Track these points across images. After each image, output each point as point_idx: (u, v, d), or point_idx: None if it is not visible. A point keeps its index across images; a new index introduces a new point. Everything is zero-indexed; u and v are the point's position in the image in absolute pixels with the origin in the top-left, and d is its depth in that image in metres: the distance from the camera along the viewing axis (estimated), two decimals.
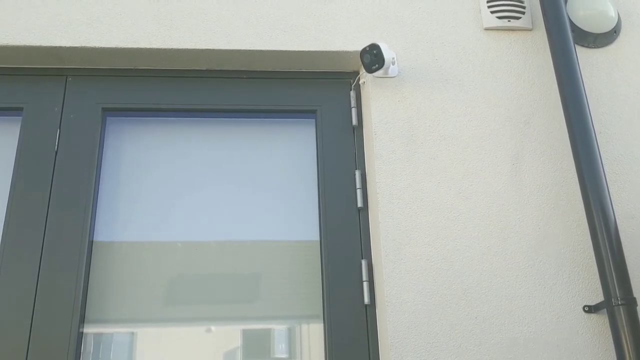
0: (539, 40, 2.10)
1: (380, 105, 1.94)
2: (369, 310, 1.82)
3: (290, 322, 1.85)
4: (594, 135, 1.83)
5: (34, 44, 1.92)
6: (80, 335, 1.75)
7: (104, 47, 1.95)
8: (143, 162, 2.00)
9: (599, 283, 1.78)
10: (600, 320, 1.75)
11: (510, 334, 1.72)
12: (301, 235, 1.94)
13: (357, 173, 1.96)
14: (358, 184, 1.95)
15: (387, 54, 1.88)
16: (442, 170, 1.88)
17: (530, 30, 2.12)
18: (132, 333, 1.79)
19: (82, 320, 1.78)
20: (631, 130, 2.00)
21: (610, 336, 1.73)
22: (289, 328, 1.84)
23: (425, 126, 1.93)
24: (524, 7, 2.12)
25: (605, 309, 1.71)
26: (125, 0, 2.01)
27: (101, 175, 1.96)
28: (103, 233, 1.89)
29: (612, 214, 1.74)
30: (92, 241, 1.87)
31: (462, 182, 1.87)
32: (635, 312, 1.64)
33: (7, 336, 1.70)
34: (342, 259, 1.87)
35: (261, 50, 1.99)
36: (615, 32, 2.13)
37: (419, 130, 1.92)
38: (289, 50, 2.00)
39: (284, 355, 1.81)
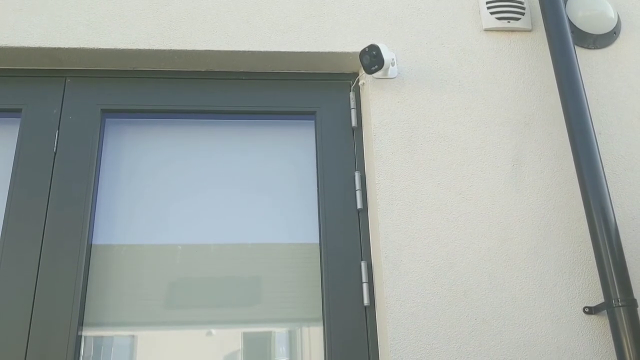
0: (539, 41, 2.10)
1: (379, 107, 1.94)
2: (369, 312, 1.82)
3: (290, 325, 1.85)
4: (593, 136, 1.83)
5: (33, 45, 1.92)
6: (79, 339, 1.75)
7: (103, 49, 1.94)
8: (142, 163, 2.00)
9: (599, 284, 1.78)
10: (601, 322, 1.75)
11: (510, 335, 1.71)
12: (301, 237, 1.94)
13: (357, 174, 1.96)
14: (358, 186, 1.94)
15: (387, 55, 1.88)
16: (442, 172, 1.88)
17: (530, 31, 2.12)
18: (132, 336, 1.79)
19: (81, 324, 1.77)
20: (631, 131, 2.00)
21: (611, 338, 1.73)
22: (290, 331, 1.84)
23: (424, 127, 1.93)
24: (523, 8, 2.12)
25: (605, 311, 1.71)
26: (124, 1, 2.01)
27: (100, 177, 1.95)
28: (102, 236, 1.89)
29: (612, 214, 1.74)
30: (91, 244, 1.87)
31: (462, 183, 1.87)
32: (636, 313, 1.64)
33: (6, 339, 1.70)
34: (341, 260, 1.87)
35: (260, 52, 1.99)
36: (614, 33, 2.13)
37: (419, 132, 1.92)
38: (288, 52, 1.99)
39: (284, 358, 1.80)
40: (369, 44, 1.96)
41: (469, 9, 2.11)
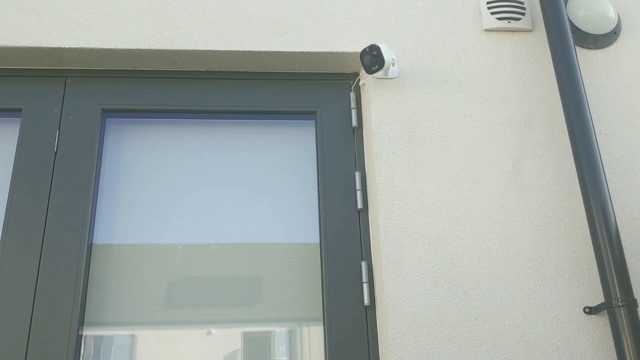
0: (539, 41, 2.10)
1: (380, 107, 1.94)
2: (369, 312, 1.82)
3: (290, 325, 1.85)
4: (594, 136, 1.83)
5: (34, 45, 1.92)
6: (79, 338, 1.75)
7: (103, 49, 1.94)
8: (142, 163, 2.00)
9: (600, 284, 1.78)
10: (601, 322, 1.75)
11: (511, 335, 1.71)
12: (301, 237, 1.94)
13: (357, 174, 1.96)
14: (358, 186, 1.94)
15: (387, 55, 1.88)
16: (442, 172, 1.88)
17: (530, 31, 2.11)
18: (133, 336, 1.79)
19: (82, 323, 1.77)
20: (631, 131, 2.00)
21: (611, 338, 1.73)
22: (290, 331, 1.84)
23: (425, 127, 1.93)
24: (523, 8, 2.11)
25: (605, 311, 1.70)
26: (125, 1, 2.01)
27: (100, 177, 1.95)
28: (102, 235, 1.89)
29: (612, 215, 1.74)
30: (92, 243, 1.87)
31: (463, 183, 1.87)
32: (636, 313, 1.64)
33: (6, 339, 1.70)
34: (342, 260, 1.87)
35: (261, 52, 1.99)
36: (615, 33, 2.13)
37: (419, 132, 1.92)
38: (288, 52, 1.99)
39: (284, 358, 1.80)
40: (369, 44, 1.96)
41: (469, 9, 2.11)
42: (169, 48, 1.96)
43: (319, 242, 1.92)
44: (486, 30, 2.09)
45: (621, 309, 1.64)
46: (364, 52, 1.91)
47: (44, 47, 1.92)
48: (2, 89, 1.98)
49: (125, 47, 1.95)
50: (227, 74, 2.07)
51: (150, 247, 1.89)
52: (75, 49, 1.94)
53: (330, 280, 1.84)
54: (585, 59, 2.09)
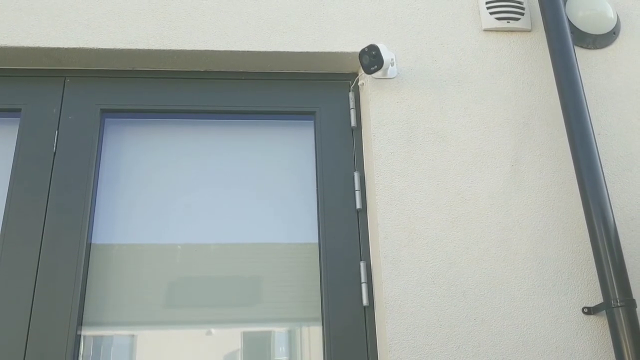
0: (538, 41, 2.10)
1: (379, 107, 1.94)
2: (368, 312, 1.82)
3: (290, 325, 1.85)
4: (592, 136, 1.83)
5: (33, 45, 1.92)
6: (78, 338, 1.75)
7: (102, 49, 1.94)
8: (142, 163, 2.00)
9: (598, 285, 1.79)
10: (600, 322, 1.75)
11: (509, 335, 1.72)
12: (301, 237, 1.94)
13: (356, 175, 1.96)
14: (357, 186, 1.94)
15: (386, 55, 1.88)
16: (441, 172, 1.88)
17: (530, 31, 2.12)
18: (132, 336, 1.79)
19: (80, 323, 1.77)
20: (630, 131, 2.00)
21: (610, 338, 1.73)
22: (289, 331, 1.84)
23: (424, 127, 1.93)
24: (523, 8, 2.12)
25: (604, 311, 1.71)
26: (123, 2, 2.01)
27: (99, 177, 1.95)
28: (102, 235, 1.89)
29: (611, 215, 1.74)
30: (91, 243, 1.87)
31: (461, 183, 1.87)
32: (635, 313, 1.64)
33: (4, 338, 1.70)
34: (341, 260, 1.87)
35: (260, 52, 1.99)
36: (614, 33, 2.13)
37: (418, 132, 1.92)
38: (287, 52, 1.99)
39: (284, 358, 1.81)
40: (368, 44, 1.96)
41: (468, 9, 2.11)
42: (168, 48, 1.96)
43: (317, 242, 1.92)
44: (485, 30, 2.09)
45: (620, 309, 1.64)
46: (362, 52, 1.91)
47: (43, 47, 1.92)
48: (1, 89, 1.98)
49: (124, 47, 1.95)
50: (226, 74, 2.07)
51: (150, 247, 1.89)
52: (74, 49, 1.94)
53: (329, 281, 1.84)
54: (584, 59, 2.09)
